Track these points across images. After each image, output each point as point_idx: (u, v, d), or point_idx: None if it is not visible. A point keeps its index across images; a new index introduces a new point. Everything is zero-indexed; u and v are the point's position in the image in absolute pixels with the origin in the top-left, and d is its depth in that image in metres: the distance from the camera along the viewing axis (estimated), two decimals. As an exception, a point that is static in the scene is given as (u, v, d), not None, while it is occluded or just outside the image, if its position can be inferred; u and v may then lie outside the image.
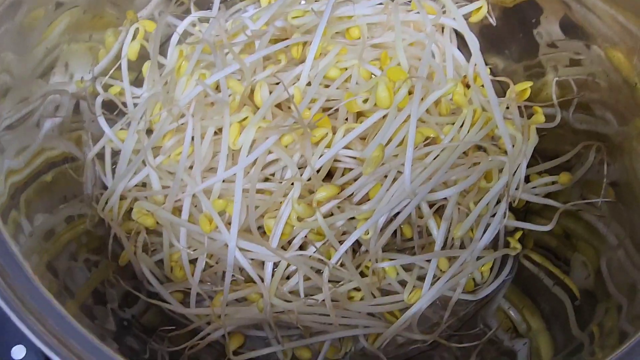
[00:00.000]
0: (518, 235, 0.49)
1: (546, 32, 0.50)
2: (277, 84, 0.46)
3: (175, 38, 0.53)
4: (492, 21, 0.52)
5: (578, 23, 0.46)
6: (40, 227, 0.41)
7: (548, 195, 0.48)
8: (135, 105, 0.52)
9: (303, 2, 0.52)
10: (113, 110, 0.52)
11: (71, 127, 0.50)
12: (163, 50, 0.54)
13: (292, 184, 0.43)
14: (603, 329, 0.38)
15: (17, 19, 0.41)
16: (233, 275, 0.45)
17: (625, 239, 0.42)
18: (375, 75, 0.45)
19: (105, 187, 0.51)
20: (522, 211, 0.52)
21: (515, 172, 0.45)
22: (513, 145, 0.45)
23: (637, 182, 0.43)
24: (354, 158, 0.45)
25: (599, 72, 0.46)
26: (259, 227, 0.46)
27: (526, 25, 0.51)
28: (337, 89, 0.46)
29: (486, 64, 0.54)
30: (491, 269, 0.49)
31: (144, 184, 0.50)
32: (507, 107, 0.47)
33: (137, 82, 0.55)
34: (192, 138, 0.45)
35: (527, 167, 0.47)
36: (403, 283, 0.47)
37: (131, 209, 0.48)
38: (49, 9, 0.44)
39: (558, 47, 0.49)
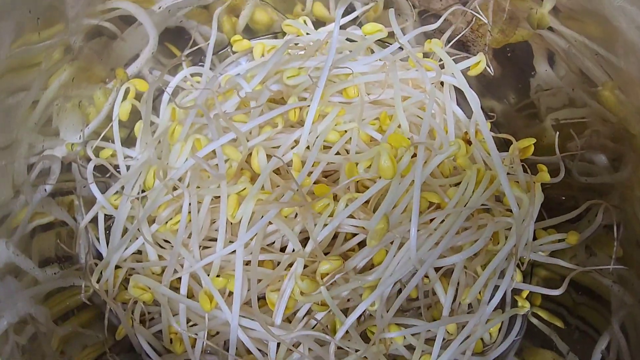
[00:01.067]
0: (525, 293, 0.47)
1: (539, 75, 0.49)
2: (277, 147, 0.45)
3: (166, 97, 0.52)
4: (491, 71, 0.51)
5: (568, 64, 0.46)
6: (30, 301, 0.40)
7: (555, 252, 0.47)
8: (128, 167, 0.50)
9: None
10: (105, 172, 0.51)
11: (62, 191, 0.48)
12: (155, 105, 0.53)
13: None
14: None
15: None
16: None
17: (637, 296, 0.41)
18: (375, 139, 0.44)
19: (99, 255, 0.49)
20: (529, 264, 0.51)
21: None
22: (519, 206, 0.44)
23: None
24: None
25: (594, 116, 0.45)
26: (262, 297, 0.44)
27: (520, 68, 0.50)
28: (337, 153, 0.44)
29: (484, 110, 0.53)
30: (499, 328, 0.48)
31: (139, 251, 0.48)
32: (511, 163, 0.46)
33: (130, 140, 0.53)
34: (190, 203, 0.44)
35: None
36: (411, 347, 0.46)
37: (127, 277, 0.46)
38: (42, 68, 0.42)
39: (552, 89, 0.49)
